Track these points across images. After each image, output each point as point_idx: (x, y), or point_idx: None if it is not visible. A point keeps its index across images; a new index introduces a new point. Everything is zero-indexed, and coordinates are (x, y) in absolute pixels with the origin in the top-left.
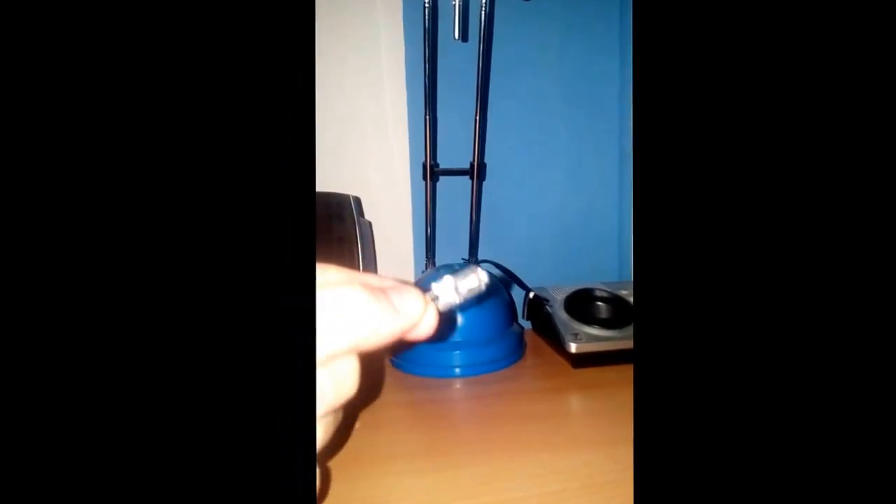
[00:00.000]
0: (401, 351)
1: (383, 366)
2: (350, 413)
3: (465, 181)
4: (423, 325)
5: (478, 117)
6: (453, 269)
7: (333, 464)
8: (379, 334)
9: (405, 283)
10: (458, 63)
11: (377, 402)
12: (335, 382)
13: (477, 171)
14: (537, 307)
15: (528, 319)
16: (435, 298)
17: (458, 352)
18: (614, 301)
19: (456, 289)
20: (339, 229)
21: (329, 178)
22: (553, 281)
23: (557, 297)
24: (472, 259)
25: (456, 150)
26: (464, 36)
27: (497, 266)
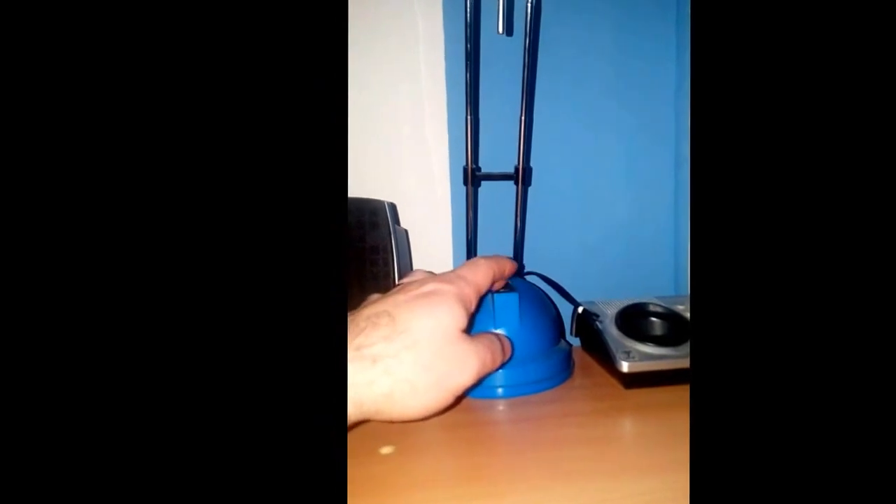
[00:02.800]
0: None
1: None
2: (379, 431)
3: (509, 187)
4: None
5: (523, 118)
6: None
7: (363, 489)
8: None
9: None
10: (501, 60)
11: (410, 424)
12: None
13: (522, 176)
14: (586, 323)
15: (576, 336)
16: None
17: (500, 370)
18: (670, 317)
19: None
20: (373, 237)
21: (362, 183)
22: (603, 295)
23: (608, 312)
24: (519, 271)
25: (499, 154)
26: (508, 30)
27: (543, 278)
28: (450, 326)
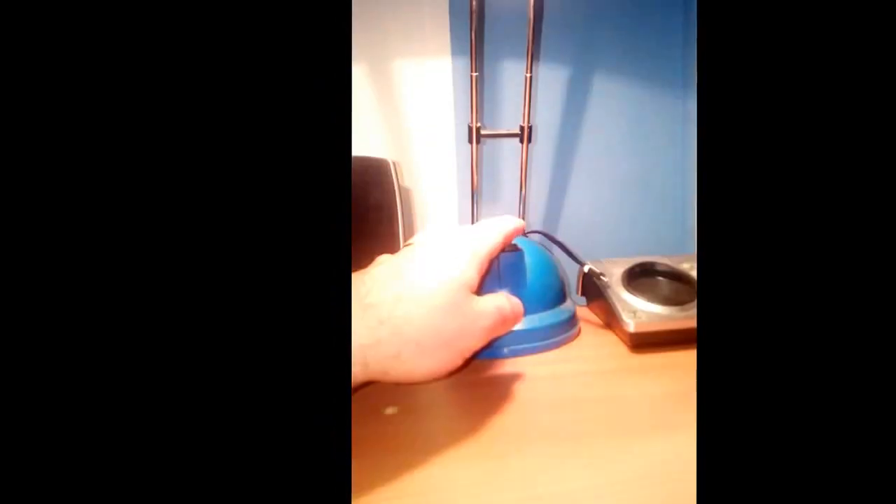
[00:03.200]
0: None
1: None
2: (383, 392)
3: (514, 145)
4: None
5: (529, 75)
6: None
7: (365, 451)
8: (505, 234)
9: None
10: (507, 16)
11: (416, 385)
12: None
13: (527, 134)
14: (592, 282)
15: (582, 295)
16: None
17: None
18: (677, 276)
19: None
20: (376, 196)
21: (366, 141)
22: (610, 253)
23: (614, 272)
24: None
25: (504, 112)
26: None
27: (548, 237)
28: (461, 286)
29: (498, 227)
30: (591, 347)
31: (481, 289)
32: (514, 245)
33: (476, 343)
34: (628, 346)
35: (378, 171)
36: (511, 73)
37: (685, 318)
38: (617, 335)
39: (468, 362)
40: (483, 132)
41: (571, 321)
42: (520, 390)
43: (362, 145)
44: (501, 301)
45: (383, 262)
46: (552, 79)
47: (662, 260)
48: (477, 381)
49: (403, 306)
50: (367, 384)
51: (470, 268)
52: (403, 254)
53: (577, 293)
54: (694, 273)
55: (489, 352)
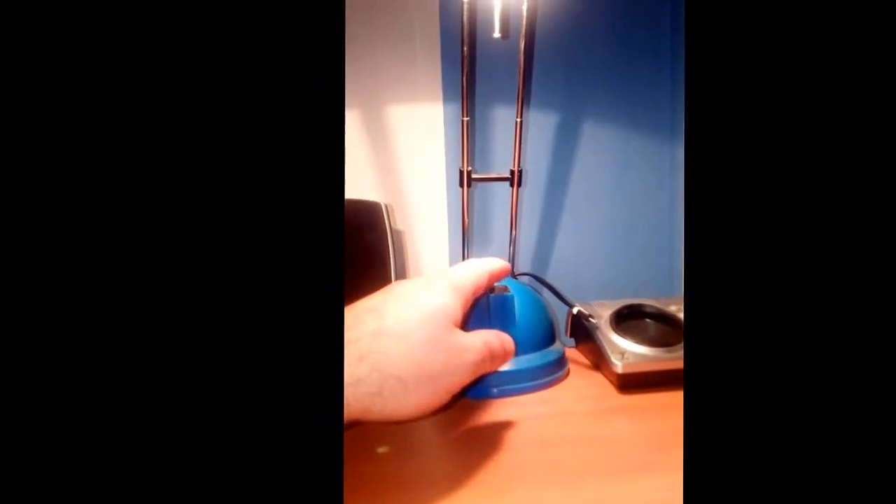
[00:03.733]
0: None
1: None
2: (373, 431)
3: (504, 189)
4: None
5: (519, 120)
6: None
7: (357, 492)
8: (490, 275)
9: None
10: (497, 63)
11: (406, 425)
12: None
13: (517, 178)
14: (581, 324)
15: (570, 337)
16: None
17: (495, 371)
18: (664, 318)
19: None
20: (370, 239)
21: (360, 184)
22: (598, 296)
23: (603, 314)
24: (511, 272)
25: (495, 156)
26: (504, 34)
27: (538, 279)
28: (443, 318)
29: (480, 264)
30: (580, 388)
31: (468, 328)
32: (504, 287)
33: (462, 378)
34: (616, 386)
35: (371, 214)
36: (501, 119)
37: (672, 359)
38: (605, 376)
39: (455, 400)
40: (474, 176)
41: (560, 362)
42: (510, 430)
43: (356, 188)
44: (489, 336)
45: (364, 299)
46: (542, 124)
47: (650, 302)
48: (467, 420)
49: (382, 341)
50: (353, 425)
51: (452, 300)
52: (384, 290)
53: (566, 335)
54: (681, 315)
55: (478, 391)
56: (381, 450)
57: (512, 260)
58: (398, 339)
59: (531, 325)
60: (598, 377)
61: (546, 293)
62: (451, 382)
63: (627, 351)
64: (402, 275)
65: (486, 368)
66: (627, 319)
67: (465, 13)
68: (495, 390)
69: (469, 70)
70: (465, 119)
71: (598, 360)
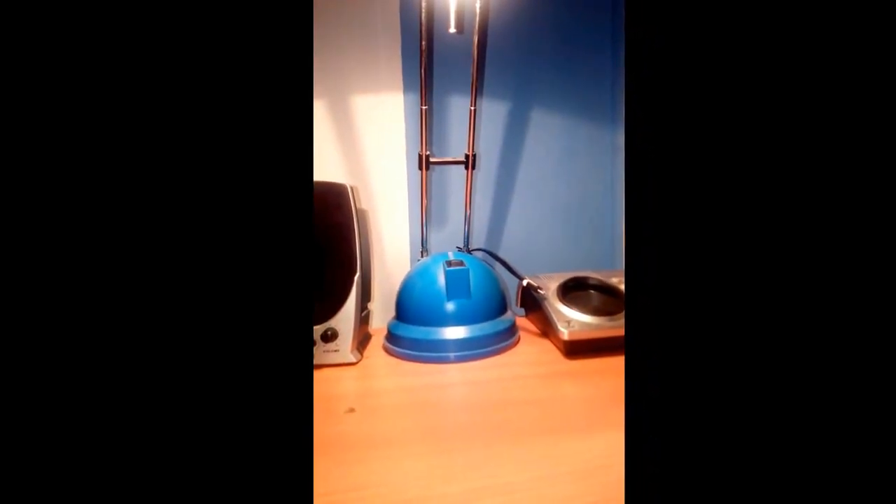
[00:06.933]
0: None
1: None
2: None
3: (460, 171)
4: None
5: (473, 108)
6: (447, 257)
7: (326, 448)
8: None
9: None
10: (453, 56)
11: (371, 387)
12: None
13: (472, 162)
14: (530, 295)
15: (521, 307)
16: None
17: (452, 338)
18: (607, 289)
19: None
20: (337, 217)
21: (327, 168)
22: (546, 269)
23: (550, 285)
24: (466, 248)
25: (451, 141)
26: (459, 29)
27: (491, 254)
28: None
29: None
30: (530, 354)
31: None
32: (460, 261)
33: None
34: (563, 352)
35: (337, 195)
36: (457, 107)
37: (614, 326)
38: (553, 343)
39: None
40: (432, 160)
41: (511, 330)
42: (465, 393)
43: (324, 172)
44: None
45: None
46: (494, 112)
47: (594, 274)
48: (425, 384)
49: None
50: None
51: None
52: None
53: (517, 305)
54: (622, 286)
55: (437, 356)
56: (347, 411)
57: (467, 236)
58: None
59: (485, 297)
60: (546, 344)
61: (498, 267)
62: None
63: (573, 319)
64: (366, 250)
65: None
66: (573, 291)
67: (424, 10)
68: (452, 355)
69: (427, 62)
70: (424, 108)
71: (547, 328)
